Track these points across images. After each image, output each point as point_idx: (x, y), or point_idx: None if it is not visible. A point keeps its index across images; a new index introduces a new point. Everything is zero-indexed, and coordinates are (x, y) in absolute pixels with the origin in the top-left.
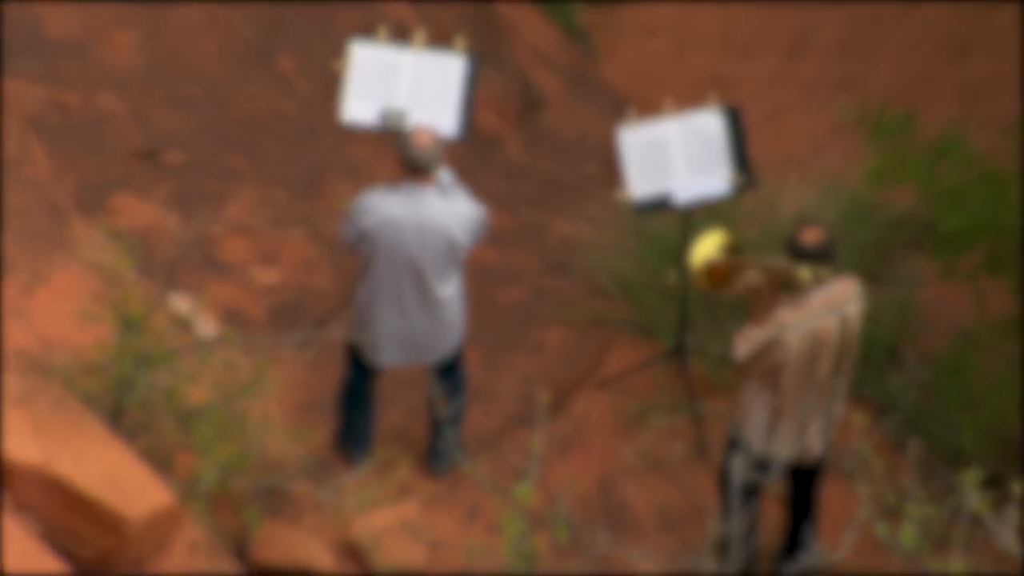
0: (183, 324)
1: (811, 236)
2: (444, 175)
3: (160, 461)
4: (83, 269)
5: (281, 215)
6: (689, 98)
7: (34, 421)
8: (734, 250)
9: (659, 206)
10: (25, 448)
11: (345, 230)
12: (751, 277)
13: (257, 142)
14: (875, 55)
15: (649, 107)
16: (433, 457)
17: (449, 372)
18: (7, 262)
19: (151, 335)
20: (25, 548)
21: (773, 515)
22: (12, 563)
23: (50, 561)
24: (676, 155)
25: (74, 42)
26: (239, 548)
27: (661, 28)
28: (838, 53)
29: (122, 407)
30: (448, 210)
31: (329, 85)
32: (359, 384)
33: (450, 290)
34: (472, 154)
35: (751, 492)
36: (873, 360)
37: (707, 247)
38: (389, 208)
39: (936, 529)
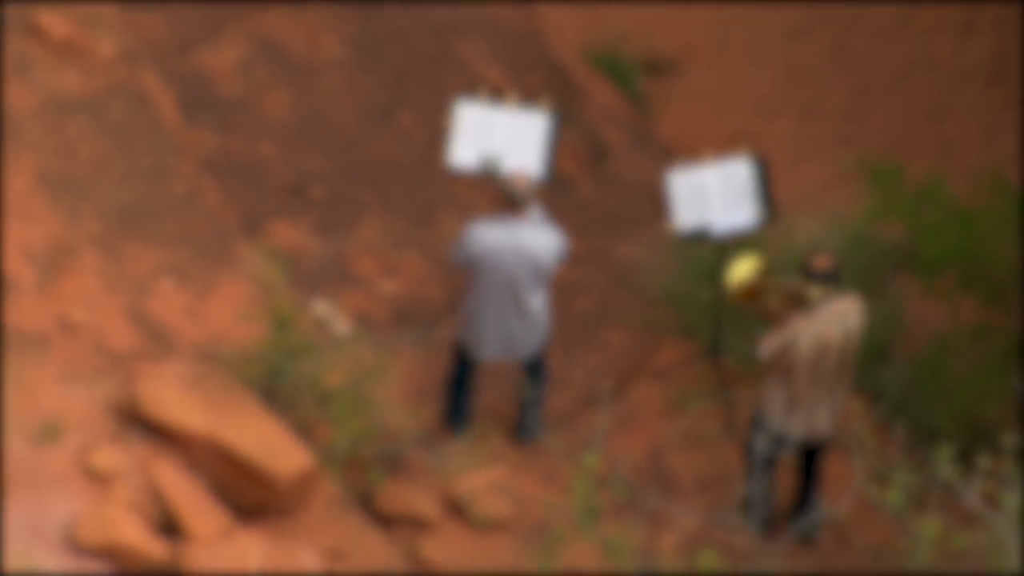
0: (322, 324)
1: (821, 262)
2: (535, 211)
3: (303, 432)
4: (245, 280)
5: (400, 239)
6: (724, 149)
7: (205, 399)
8: (764, 273)
9: (700, 235)
10: (197, 420)
11: (454, 253)
12: (775, 294)
13: (382, 181)
14: (871, 118)
15: (692, 156)
16: (519, 431)
17: (535, 365)
18: (187, 274)
19: (297, 332)
20: (197, 499)
21: (787, 481)
22: (187, 511)
23: (216, 509)
24: (714, 195)
25: (239, 100)
26: (365, 502)
27: (703, 94)
28: (843, 116)
29: (274, 389)
30: (538, 239)
31: (439, 136)
32: (462, 374)
33: (538, 301)
34: (553, 192)
35: (770, 463)
36: (868, 359)
37: (743, 270)
38: (493, 237)
39: (916, 494)
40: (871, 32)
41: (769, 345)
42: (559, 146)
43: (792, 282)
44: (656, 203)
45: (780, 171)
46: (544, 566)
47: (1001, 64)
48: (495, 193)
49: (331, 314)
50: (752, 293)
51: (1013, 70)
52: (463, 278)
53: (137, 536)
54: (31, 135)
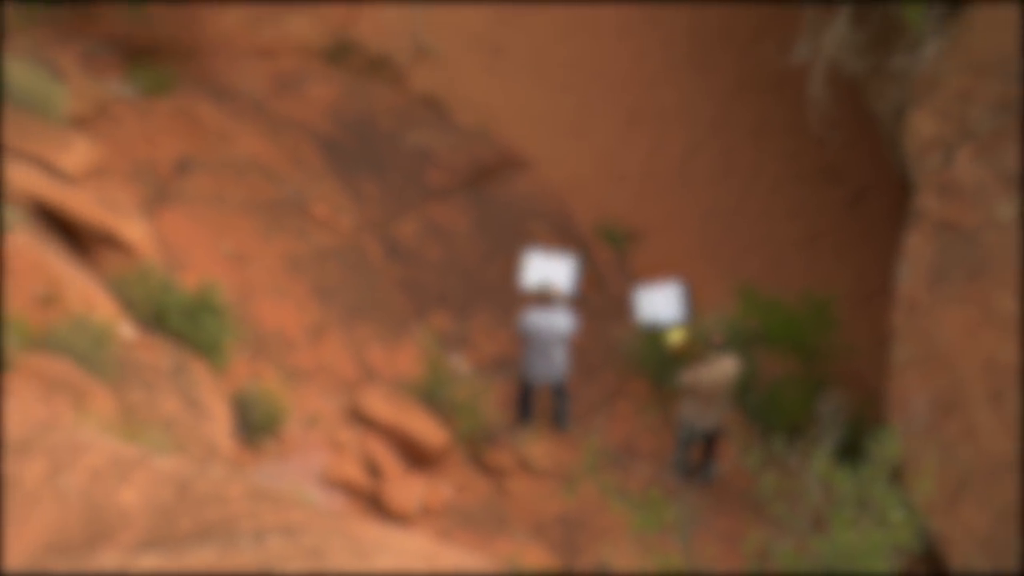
0: (455, 368)
1: (716, 338)
2: (561, 306)
3: (445, 423)
4: (416, 344)
5: (496, 323)
6: (666, 277)
7: (395, 405)
8: (686, 340)
9: (651, 324)
10: (390, 416)
11: (517, 328)
12: (691, 352)
13: (488, 294)
14: (745, 264)
15: (648, 280)
16: (556, 423)
17: (561, 389)
18: (386, 340)
19: (442, 372)
20: (386, 456)
21: (697, 453)
22: (384, 463)
23: (399, 462)
24: (659, 301)
25: (414, 250)
26: (477, 460)
27: (655, 250)
28: (730, 262)
29: (430, 400)
30: (562, 321)
31: (517, 270)
32: (526, 392)
33: (560, 352)
34: (578, 301)
35: (688, 442)
36: (740, 389)
37: (675, 336)
38: (537, 319)
39: (765, 460)
40: (749, 217)
41: (684, 378)
42: (581, 277)
43: (700, 347)
44: (627, 306)
45: (696, 290)
46: (569, 495)
47: (812, 235)
48: (541, 295)
49: (460, 363)
50: (679, 350)
51: (822, 240)
52: (521, 341)
53: (358, 476)
54: (307, 269)
